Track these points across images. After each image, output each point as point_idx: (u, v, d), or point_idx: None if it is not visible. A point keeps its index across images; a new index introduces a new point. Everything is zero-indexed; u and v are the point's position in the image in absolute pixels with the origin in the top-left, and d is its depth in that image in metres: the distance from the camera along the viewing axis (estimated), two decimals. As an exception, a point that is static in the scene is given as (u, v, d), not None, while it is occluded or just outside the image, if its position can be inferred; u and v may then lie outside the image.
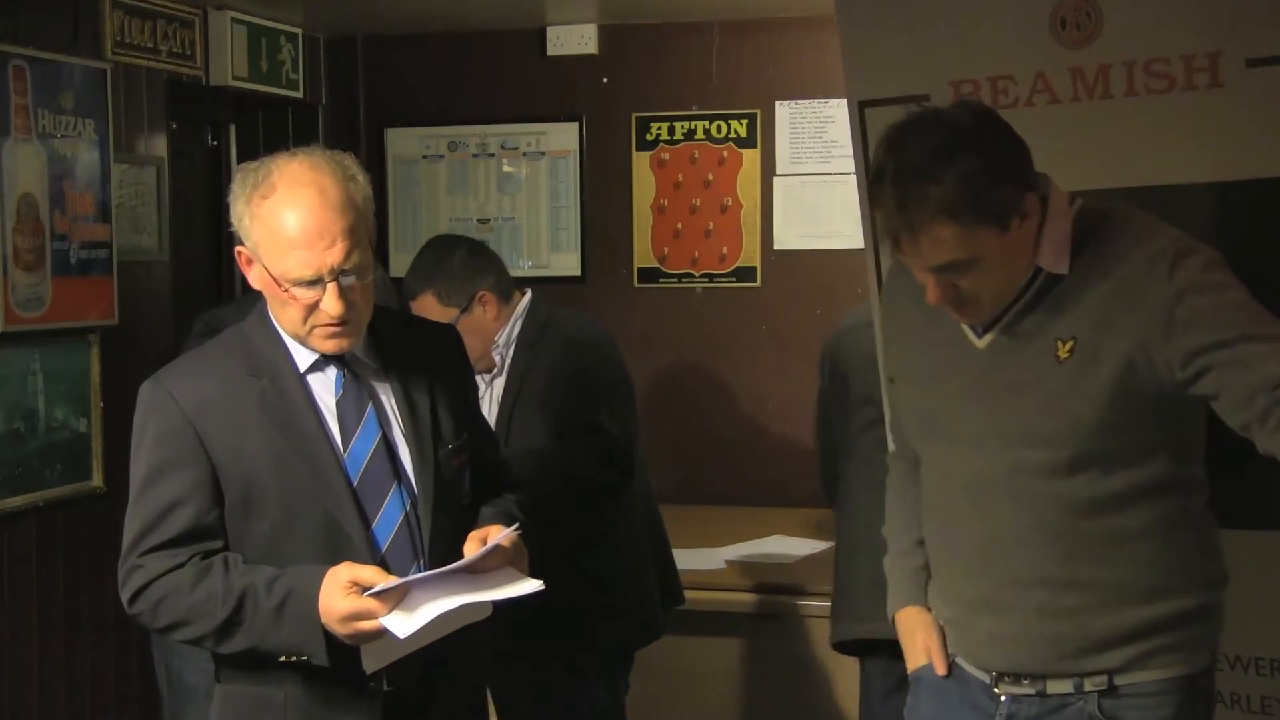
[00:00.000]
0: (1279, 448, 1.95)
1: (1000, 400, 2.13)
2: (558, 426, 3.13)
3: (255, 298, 2.30)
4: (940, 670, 2.28)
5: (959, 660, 2.27)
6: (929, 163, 2.02)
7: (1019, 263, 2.10)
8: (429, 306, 3.17)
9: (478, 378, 3.20)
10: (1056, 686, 2.15)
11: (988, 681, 2.21)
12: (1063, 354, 2.09)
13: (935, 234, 2.03)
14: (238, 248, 2.23)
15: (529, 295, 3.29)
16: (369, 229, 2.21)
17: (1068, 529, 2.10)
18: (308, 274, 2.13)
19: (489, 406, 3.20)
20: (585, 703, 3.23)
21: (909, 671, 2.36)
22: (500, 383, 3.21)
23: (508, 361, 3.21)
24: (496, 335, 3.21)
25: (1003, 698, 2.19)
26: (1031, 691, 2.16)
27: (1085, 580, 2.11)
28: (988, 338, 2.17)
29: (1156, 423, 2.09)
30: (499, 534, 2.18)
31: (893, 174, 2.05)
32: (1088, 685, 2.13)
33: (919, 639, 2.32)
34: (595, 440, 3.11)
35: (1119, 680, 2.12)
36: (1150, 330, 2.03)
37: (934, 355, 2.24)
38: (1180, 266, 2.03)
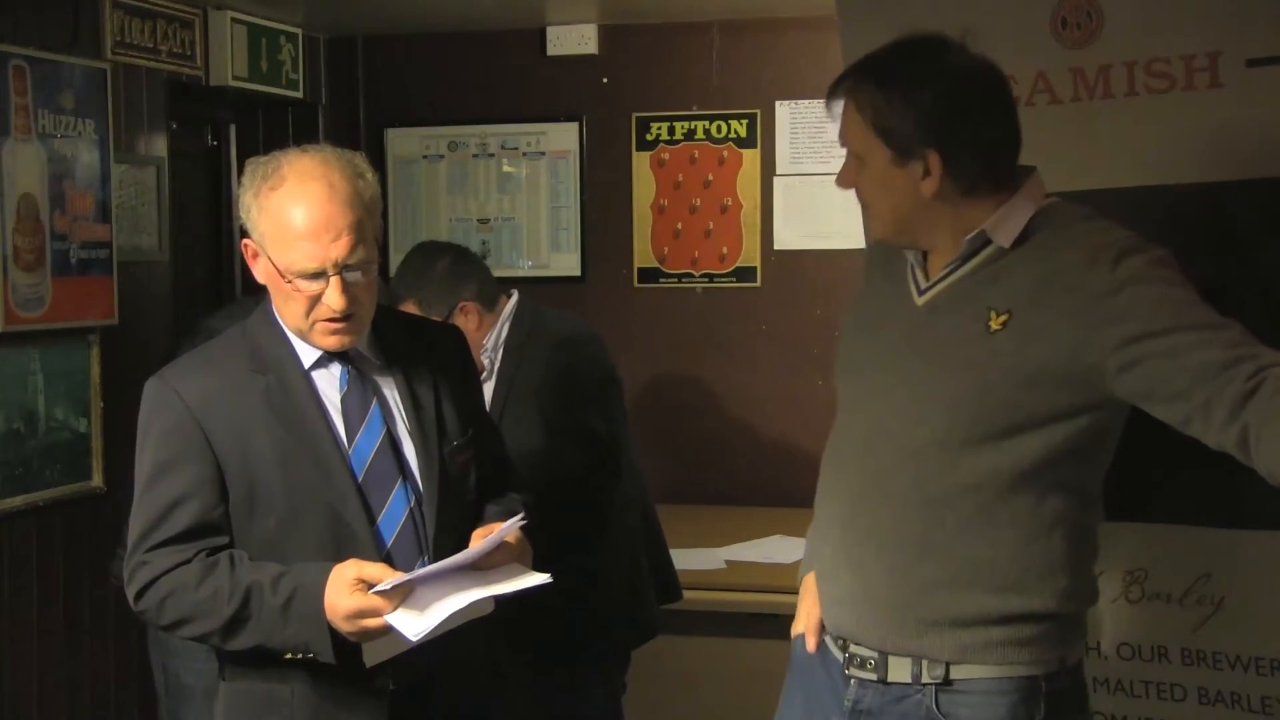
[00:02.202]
0: (1227, 441, 1.92)
1: (921, 356, 2.14)
2: (547, 427, 3.13)
3: (251, 303, 2.31)
4: (810, 646, 2.31)
5: (826, 639, 2.29)
6: (887, 65, 2.14)
7: (901, 202, 2.14)
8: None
9: None
10: (896, 672, 2.14)
11: (841, 662, 2.22)
12: (994, 325, 2.08)
13: (847, 109, 2.15)
14: (244, 240, 2.24)
15: (515, 297, 3.29)
16: (375, 227, 2.22)
17: (939, 496, 2.09)
18: (312, 266, 2.14)
19: None
20: (583, 702, 3.23)
21: (791, 636, 2.38)
22: (490, 386, 3.21)
23: (496, 364, 3.21)
24: (484, 340, 3.21)
25: (851, 681, 2.20)
26: (874, 677, 2.16)
27: (941, 551, 2.09)
28: (927, 296, 2.18)
29: (1062, 416, 2.06)
30: (503, 527, 2.19)
31: (863, 60, 2.17)
32: (925, 677, 2.12)
33: (804, 607, 2.36)
34: (583, 440, 3.11)
35: (955, 674, 2.10)
36: (1087, 316, 2.01)
37: (879, 307, 2.27)
38: (1124, 261, 2.02)
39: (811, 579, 2.36)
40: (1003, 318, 2.08)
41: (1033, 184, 2.16)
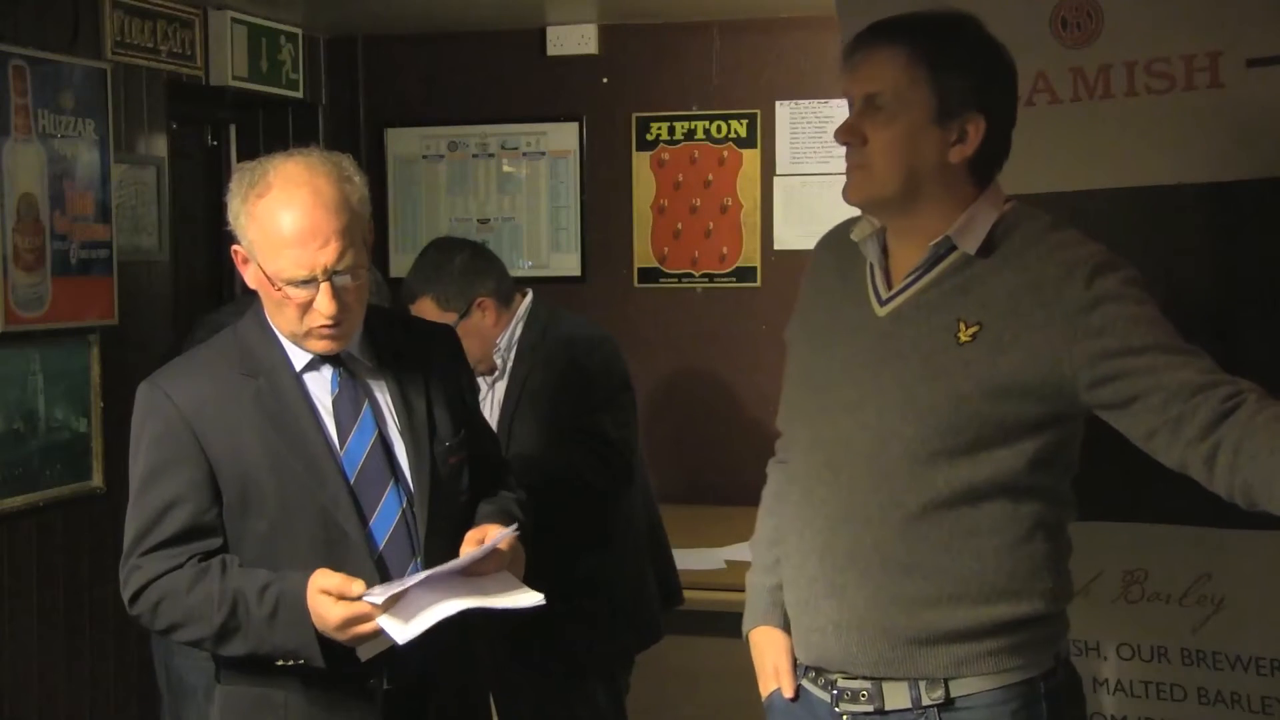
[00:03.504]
0: (1192, 458, 1.92)
1: (887, 368, 2.09)
2: (558, 429, 3.12)
3: (254, 298, 2.31)
4: (787, 693, 2.23)
5: (804, 683, 2.22)
6: (947, 22, 2.09)
7: (921, 164, 2.07)
8: (428, 310, 3.16)
9: (480, 380, 3.20)
10: (893, 698, 2.09)
11: (829, 701, 2.15)
12: (964, 336, 2.05)
13: (886, 55, 2.07)
14: (234, 247, 2.24)
15: (530, 297, 3.28)
16: (364, 230, 2.21)
17: (918, 512, 2.05)
18: (301, 273, 2.14)
19: (491, 409, 3.19)
20: (585, 704, 3.22)
21: (762, 697, 2.29)
22: (502, 386, 3.21)
23: (509, 364, 3.20)
24: (497, 339, 3.20)
25: (844, 717, 2.13)
26: (870, 709, 2.10)
27: (926, 568, 2.05)
28: (890, 305, 2.13)
29: (1033, 427, 2.04)
30: (496, 534, 2.18)
31: (917, 14, 2.11)
32: (925, 699, 2.07)
33: (769, 660, 2.28)
34: (594, 444, 3.10)
35: (955, 690, 2.06)
36: (1060, 331, 2.00)
37: (835, 317, 2.20)
38: (1100, 276, 2.01)
39: (762, 632, 2.30)
40: (972, 329, 2.05)
41: (993, 190, 2.13)
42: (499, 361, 3.21)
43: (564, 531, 3.02)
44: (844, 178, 2.15)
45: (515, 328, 3.22)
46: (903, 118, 2.06)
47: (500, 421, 3.15)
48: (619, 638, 3.25)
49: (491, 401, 3.21)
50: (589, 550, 3.16)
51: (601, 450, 3.10)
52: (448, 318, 3.13)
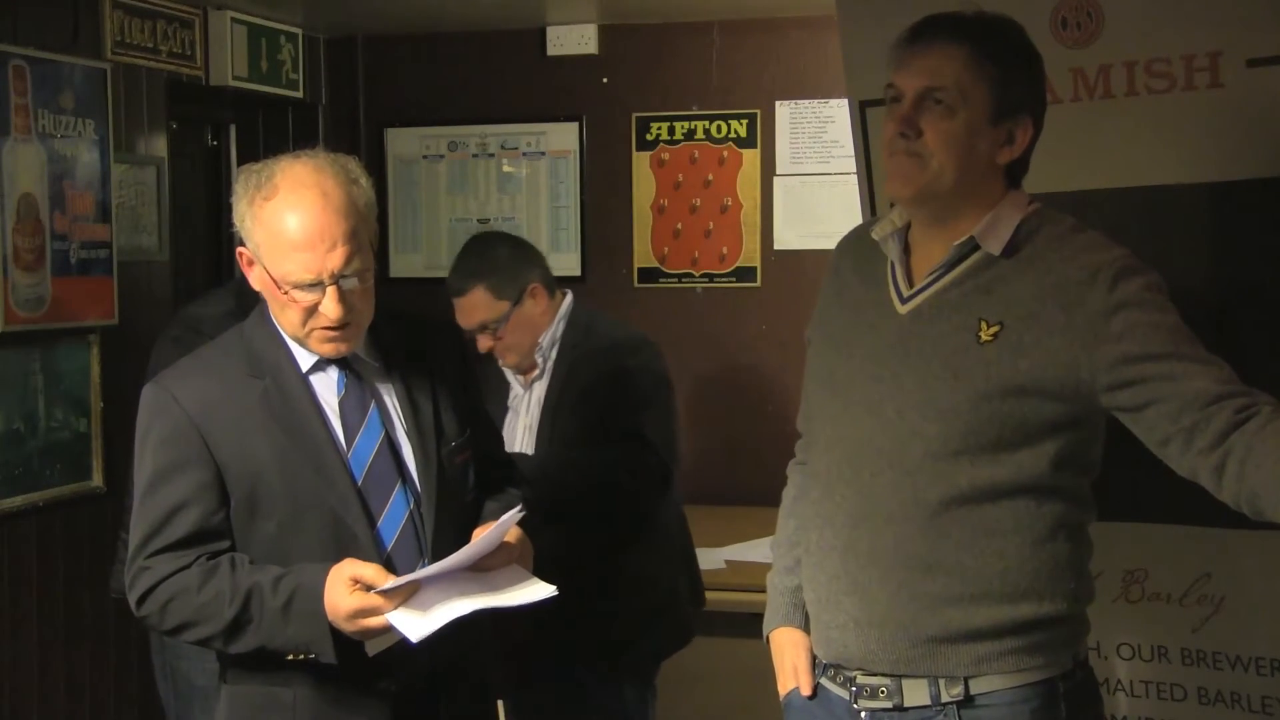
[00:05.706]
0: (1202, 467, 1.93)
1: (908, 366, 2.10)
2: (599, 431, 3.09)
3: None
4: (805, 691, 2.24)
5: (823, 681, 2.23)
6: (1002, 24, 2.09)
7: (972, 163, 2.08)
8: (480, 301, 3.14)
9: (515, 380, 3.19)
10: (913, 695, 2.10)
11: (847, 699, 2.16)
12: (985, 336, 2.06)
13: (949, 50, 2.07)
14: (239, 248, 2.23)
15: (570, 297, 3.27)
16: (371, 232, 2.21)
17: (941, 511, 2.05)
18: (308, 277, 2.13)
19: (529, 409, 3.18)
20: (612, 705, 3.20)
21: (780, 696, 2.30)
22: (542, 385, 3.18)
23: (550, 364, 3.19)
24: (539, 337, 3.18)
25: (863, 714, 2.14)
26: (889, 705, 2.11)
27: (948, 566, 2.06)
28: (911, 304, 2.14)
29: (1054, 427, 2.05)
30: (500, 522, 2.16)
31: (972, 15, 2.11)
32: (945, 696, 2.08)
33: (788, 659, 2.28)
34: (634, 447, 3.08)
35: (975, 688, 2.07)
36: (1081, 334, 2.01)
37: (856, 316, 2.21)
38: (1123, 281, 2.02)
39: (782, 633, 2.30)
40: (994, 329, 2.06)
41: (1018, 191, 2.15)
42: (540, 360, 3.19)
43: (602, 531, 3.02)
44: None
45: (558, 326, 3.20)
46: (962, 114, 2.07)
47: (541, 421, 3.13)
48: (655, 638, 3.23)
49: (530, 401, 3.19)
50: (627, 550, 3.14)
51: (641, 452, 3.09)
52: (501, 307, 3.12)
